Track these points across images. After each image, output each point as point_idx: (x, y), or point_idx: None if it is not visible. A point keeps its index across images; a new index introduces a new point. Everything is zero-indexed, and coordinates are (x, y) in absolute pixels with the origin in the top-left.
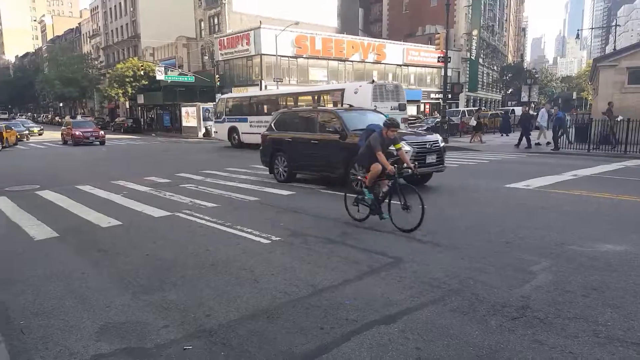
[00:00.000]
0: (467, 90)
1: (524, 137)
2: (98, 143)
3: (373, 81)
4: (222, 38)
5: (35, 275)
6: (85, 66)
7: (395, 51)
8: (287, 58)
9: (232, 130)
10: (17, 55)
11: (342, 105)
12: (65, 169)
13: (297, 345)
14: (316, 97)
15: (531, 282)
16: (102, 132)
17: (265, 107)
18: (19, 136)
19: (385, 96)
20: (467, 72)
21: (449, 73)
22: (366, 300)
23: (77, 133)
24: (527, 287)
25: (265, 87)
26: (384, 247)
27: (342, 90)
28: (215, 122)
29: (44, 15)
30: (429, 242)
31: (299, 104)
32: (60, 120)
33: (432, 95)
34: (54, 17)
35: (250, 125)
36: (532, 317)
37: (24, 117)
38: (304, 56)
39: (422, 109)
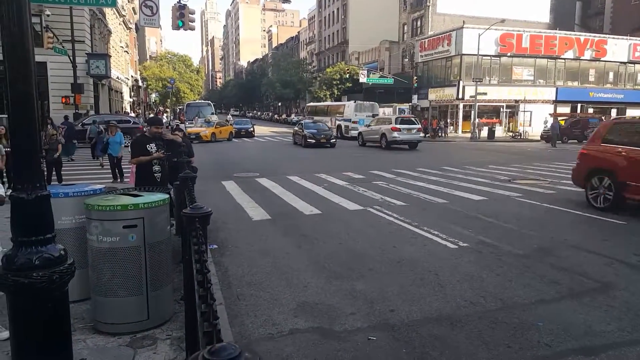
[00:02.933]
0: None
1: None
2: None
3: (355, 101)
4: (423, 40)
5: (252, 250)
6: (300, 70)
7: (619, 47)
8: (488, 57)
9: None
10: (249, 61)
11: (345, 114)
12: (275, 160)
13: (480, 359)
14: (336, 108)
15: None
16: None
17: (319, 110)
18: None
19: (362, 110)
20: None
21: None
22: (563, 325)
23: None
24: None
25: (463, 87)
26: (591, 270)
27: (344, 105)
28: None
29: (271, 26)
30: None
31: (328, 112)
32: (278, 118)
33: None
34: (278, 27)
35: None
36: None
37: (250, 115)
38: (508, 55)
39: None
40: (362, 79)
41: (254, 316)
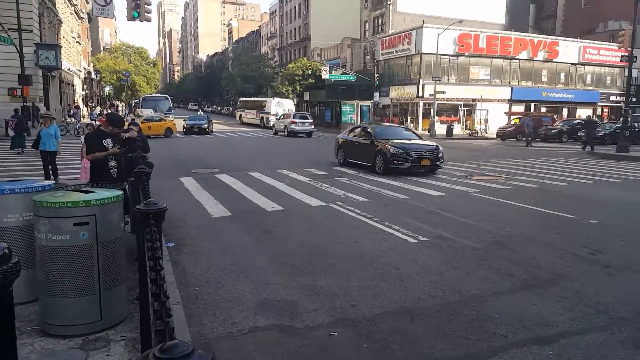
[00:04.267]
0: None
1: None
2: None
3: (274, 97)
4: (384, 38)
5: (211, 247)
6: (262, 65)
7: (569, 49)
8: (447, 57)
9: (241, 116)
10: (208, 55)
11: (266, 108)
12: (236, 156)
13: (439, 351)
14: (260, 103)
15: None
16: None
17: (248, 105)
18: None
19: (280, 105)
20: None
21: (635, 74)
22: (518, 316)
23: None
24: None
25: (423, 86)
26: (545, 262)
27: (266, 101)
28: (236, 111)
29: (231, 19)
30: (599, 261)
31: (255, 106)
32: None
33: (612, 98)
34: (239, 20)
35: (245, 113)
36: None
37: (210, 109)
38: (466, 54)
39: (599, 112)
40: (325, 75)
41: (212, 315)
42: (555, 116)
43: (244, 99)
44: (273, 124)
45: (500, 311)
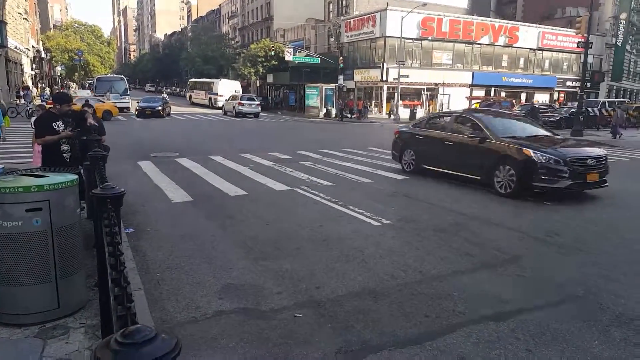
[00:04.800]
0: (609, 79)
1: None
2: None
3: (221, 79)
4: (348, 20)
5: (172, 233)
6: (223, 45)
7: (529, 34)
8: (411, 40)
9: (190, 96)
10: (166, 34)
11: (214, 89)
12: (197, 137)
13: (401, 329)
14: (208, 84)
15: None
16: None
17: (197, 85)
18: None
19: (227, 87)
20: (612, 59)
21: (590, 60)
22: (476, 294)
23: None
24: None
25: (387, 69)
26: (502, 243)
27: (214, 82)
28: (186, 91)
29: None
30: (554, 243)
31: (203, 87)
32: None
33: (569, 83)
34: None
35: (195, 94)
36: None
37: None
38: (429, 38)
39: (555, 97)
40: (288, 57)
41: (175, 300)
42: (514, 101)
43: (193, 79)
44: (222, 105)
45: (459, 290)
